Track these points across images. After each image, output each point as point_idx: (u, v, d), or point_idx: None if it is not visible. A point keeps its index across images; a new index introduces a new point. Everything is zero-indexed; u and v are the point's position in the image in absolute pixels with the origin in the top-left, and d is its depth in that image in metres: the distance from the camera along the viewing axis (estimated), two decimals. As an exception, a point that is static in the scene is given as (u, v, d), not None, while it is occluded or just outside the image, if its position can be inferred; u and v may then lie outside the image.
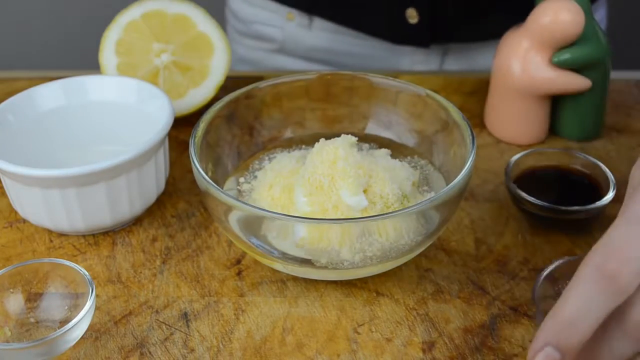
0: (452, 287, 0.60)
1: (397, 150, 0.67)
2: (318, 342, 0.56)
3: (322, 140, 0.61)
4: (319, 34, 0.93)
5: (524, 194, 0.63)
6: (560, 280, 0.55)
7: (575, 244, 0.63)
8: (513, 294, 0.59)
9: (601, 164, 0.66)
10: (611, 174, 0.65)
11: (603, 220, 0.65)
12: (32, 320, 0.56)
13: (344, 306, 0.58)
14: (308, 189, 0.58)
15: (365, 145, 0.67)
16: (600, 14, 0.95)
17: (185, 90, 0.76)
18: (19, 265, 0.56)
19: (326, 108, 0.69)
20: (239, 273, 0.61)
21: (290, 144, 0.69)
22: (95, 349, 0.56)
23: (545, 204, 0.62)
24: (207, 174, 0.57)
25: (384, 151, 0.65)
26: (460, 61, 0.92)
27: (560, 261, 0.55)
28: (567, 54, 0.70)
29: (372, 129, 0.69)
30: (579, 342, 0.44)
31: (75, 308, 0.56)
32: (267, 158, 0.67)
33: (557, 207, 0.62)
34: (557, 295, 0.55)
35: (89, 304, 0.53)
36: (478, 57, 0.91)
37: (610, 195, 0.63)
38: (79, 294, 0.56)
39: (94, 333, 0.57)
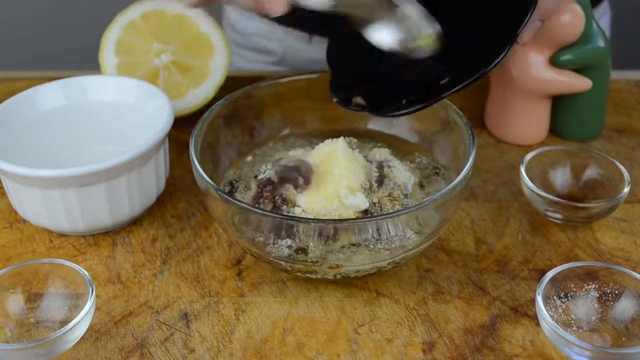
0: (453, 287, 0.60)
1: (398, 149, 0.67)
2: (318, 343, 0.56)
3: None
4: (320, 46, 0.92)
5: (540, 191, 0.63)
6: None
7: (575, 244, 0.63)
8: (513, 294, 0.59)
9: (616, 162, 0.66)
10: (626, 172, 0.64)
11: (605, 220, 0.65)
12: (32, 320, 0.56)
13: (344, 306, 0.58)
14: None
15: (366, 145, 0.67)
16: (605, 22, 0.95)
17: (185, 90, 0.76)
18: (19, 266, 0.56)
19: (326, 108, 0.69)
20: (239, 273, 0.61)
21: (290, 144, 0.69)
22: (95, 349, 0.56)
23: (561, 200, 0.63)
24: (207, 174, 0.57)
25: (385, 151, 0.65)
26: None
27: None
28: (568, 54, 0.70)
29: (372, 128, 0.69)
30: None
31: (75, 308, 0.56)
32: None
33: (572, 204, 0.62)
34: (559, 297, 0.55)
35: (89, 304, 0.53)
36: None
37: (625, 191, 0.63)
38: (79, 294, 0.55)
39: (94, 333, 0.57)
